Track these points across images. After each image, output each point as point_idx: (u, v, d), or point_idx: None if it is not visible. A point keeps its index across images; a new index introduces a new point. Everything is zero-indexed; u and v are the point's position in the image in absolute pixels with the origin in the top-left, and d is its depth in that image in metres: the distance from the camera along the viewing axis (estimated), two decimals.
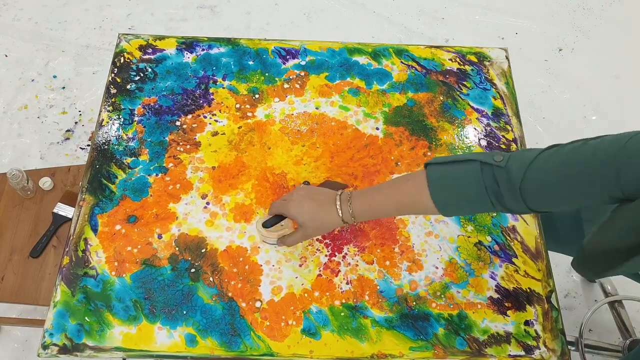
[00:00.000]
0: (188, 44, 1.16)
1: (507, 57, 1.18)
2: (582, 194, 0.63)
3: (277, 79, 1.12)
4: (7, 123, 1.82)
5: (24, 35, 2.03)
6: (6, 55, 1.98)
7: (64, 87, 1.91)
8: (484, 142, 1.06)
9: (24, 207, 1.22)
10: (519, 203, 0.67)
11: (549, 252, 0.95)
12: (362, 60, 1.16)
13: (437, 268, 0.92)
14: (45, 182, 1.22)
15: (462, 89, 1.13)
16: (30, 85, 1.91)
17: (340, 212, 0.76)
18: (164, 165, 1.00)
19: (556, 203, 0.66)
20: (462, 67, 1.16)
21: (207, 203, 0.96)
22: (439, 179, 0.71)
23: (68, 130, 1.81)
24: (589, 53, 2.13)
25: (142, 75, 1.11)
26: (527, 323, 0.87)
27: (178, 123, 1.05)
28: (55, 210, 1.20)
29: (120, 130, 1.04)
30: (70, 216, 1.19)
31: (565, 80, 2.05)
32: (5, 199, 1.22)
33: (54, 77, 1.93)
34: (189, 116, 1.06)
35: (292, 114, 1.08)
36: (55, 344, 0.82)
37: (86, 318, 0.84)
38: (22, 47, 2.00)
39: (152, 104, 1.07)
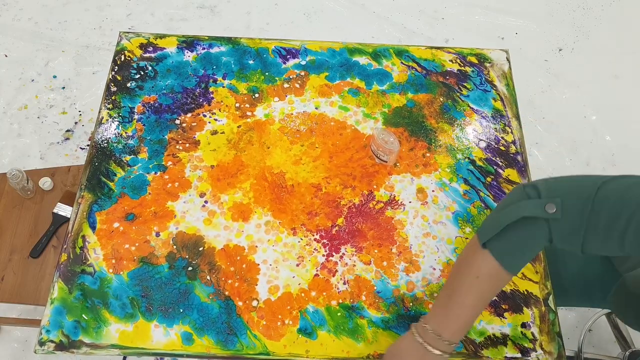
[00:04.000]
0: (189, 43, 1.16)
1: (507, 59, 1.18)
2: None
3: (277, 78, 1.13)
4: (7, 123, 1.82)
5: (24, 35, 2.04)
6: (6, 55, 1.98)
7: (64, 87, 1.92)
8: (483, 144, 1.06)
9: (24, 207, 1.22)
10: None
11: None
12: (362, 60, 1.16)
13: (434, 269, 0.92)
14: (45, 182, 1.23)
15: (462, 90, 1.13)
16: (30, 85, 1.91)
17: (440, 352, 0.68)
18: (163, 163, 1.00)
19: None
20: (463, 68, 1.16)
21: (206, 202, 0.96)
22: (506, 254, 0.66)
23: (68, 130, 1.82)
24: (589, 53, 2.13)
25: (142, 73, 1.11)
26: (524, 325, 0.87)
27: (178, 121, 1.05)
28: (55, 210, 1.20)
29: (120, 128, 1.04)
30: (70, 216, 1.19)
31: (565, 80, 2.04)
32: (5, 199, 1.22)
33: (54, 77, 1.94)
34: (189, 115, 1.06)
35: (292, 114, 1.08)
36: (51, 341, 0.82)
37: (83, 315, 0.84)
38: (22, 47, 2.00)
39: (152, 102, 1.08)
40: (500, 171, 1.03)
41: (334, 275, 0.90)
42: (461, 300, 0.68)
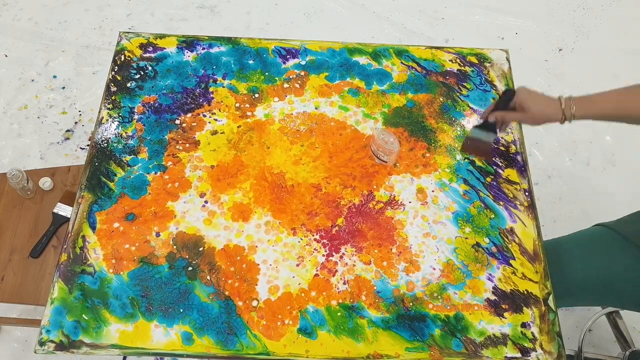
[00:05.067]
0: (189, 43, 1.16)
1: (507, 59, 1.18)
2: None
3: (277, 78, 1.13)
4: (7, 123, 1.82)
5: (24, 35, 2.04)
6: (6, 55, 1.98)
7: (64, 87, 1.91)
8: None
9: (24, 207, 1.22)
10: None
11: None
12: (362, 60, 1.16)
13: (434, 269, 0.92)
14: (45, 182, 1.22)
15: (462, 90, 1.13)
16: (30, 85, 1.91)
17: (563, 104, 0.85)
18: (163, 163, 1.00)
19: None
20: (463, 68, 1.16)
21: (206, 202, 0.96)
22: None
23: (68, 130, 1.82)
24: (589, 53, 2.13)
25: (142, 73, 1.11)
26: (524, 325, 0.87)
27: (178, 121, 1.05)
28: (55, 210, 1.20)
29: (120, 128, 1.04)
30: (70, 216, 1.19)
31: (565, 80, 2.04)
32: (5, 199, 1.22)
33: (54, 77, 1.94)
34: (189, 115, 1.06)
35: (292, 114, 1.08)
36: (52, 341, 0.82)
37: (83, 315, 0.84)
38: (22, 47, 2.00)
39: (152, 102, 1.08)
40: (500, 171, 1.03)
41: (334, 275, 0.90)
42: (605, 93, 0.84)
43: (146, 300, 0.86)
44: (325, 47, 1.18)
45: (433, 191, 1.00)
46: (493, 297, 0.89)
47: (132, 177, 0.98)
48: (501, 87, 1.14)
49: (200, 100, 1.08)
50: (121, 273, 0.88)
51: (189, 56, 1.14)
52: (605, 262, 0.96)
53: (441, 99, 1.11)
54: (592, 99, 0.85)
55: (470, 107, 1.11)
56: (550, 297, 0.89)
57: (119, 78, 1.11)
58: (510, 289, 0.90)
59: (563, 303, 1.02)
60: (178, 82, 1.11)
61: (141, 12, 2.13)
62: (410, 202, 0.98)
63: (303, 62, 1.15)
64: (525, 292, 0.90)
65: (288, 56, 1.16)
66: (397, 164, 1.02)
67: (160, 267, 0.89)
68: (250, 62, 1.14)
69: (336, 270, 0.91)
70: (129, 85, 1.10)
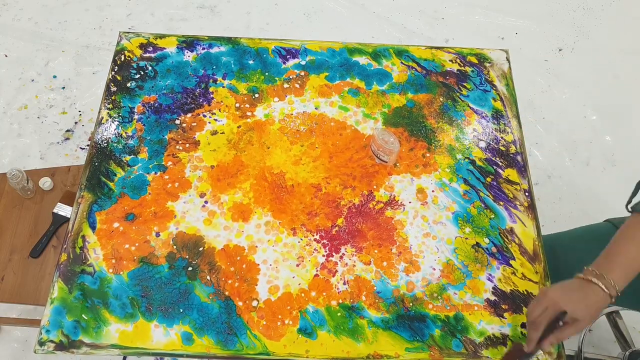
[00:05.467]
0: (189, 43, 1.16)
1: (507, 59, 1.18)
2: None
3: (277, 78, 1.13)
4: (7, 123, 1.82)
5: (24, 35, 2.04)
6: (6, 55, 1.98)
7: (64, 87, 1.91)
8: (482, 144, 1.06)
9: (24, 207, 1.22)
10: None
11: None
12: (362, 60, 1.16)
13: (434, 269, 0.92)
14: (45, 182, 1.22)
15: (462, 90, 1.13)
16: (30, 85, 1.91)
17: (604, 287, 0.74)
18: (163, 163, 1.00)
19: None
20: (463, 68, 1.16)
21: (206, 202, 0.96)
22: None
23: (68, 130, 1.82)
24: (589, 53, 2.13)
25: (142, 73, 1.11)
26: (524, 325, 0.87)
27: (178, 121, 1.05)
28: (55, 210, 1.20)
29: (120, 128, 1.04)
30: (70, 216, 1.19)
31: (565, 80, 2.04)
32: (5, 199, 1.22)
33: (54, 77, 1.94)
34: (189, 115, 1.06)
35: (292, 114, 1.08)
36: (51, 341, 0.82)
37: (83, 315, 0.84)
38: (22, 47, 2.00)
39: (152, 102, 1.08)
40: (500, 171, 1.03)
41: (334, 276, 0.90)
42: (623, 252, 0.75)
43: (146, 300, 0.86)
44: (325, 47, 1.18)
45: (433, 191, 1.00)
46: (493, 298, 0.89)
47: (132, 177, 0.98)
48: (501, 87, 1.14)
49: (200, 100, 1.08)
50: (121, 273, 0.88)
51: (189, 56, 1.14)
52: None
53: (441, 99, 1.11)
54: (619, 264, 0.75)
55: (470, 107, 1.11)
56: None
57: (119, 78, 1.11)
58: (510, 289, 0.90)
59: None
60: (178, 82, 1.11)
61: (141, 12, 2.13)
62: (410, 202, 0.98)
63: (303, 62, 1.15)
64: (525, 293, 0.90)
65: (288, 56, 1.16)
66: (397, 164, 1.02)
67: (160, 267, 0.89)
68: (250, 62, 1.14)
69: (336, 271, 0.91)
70: (129, 85, 1.10)
